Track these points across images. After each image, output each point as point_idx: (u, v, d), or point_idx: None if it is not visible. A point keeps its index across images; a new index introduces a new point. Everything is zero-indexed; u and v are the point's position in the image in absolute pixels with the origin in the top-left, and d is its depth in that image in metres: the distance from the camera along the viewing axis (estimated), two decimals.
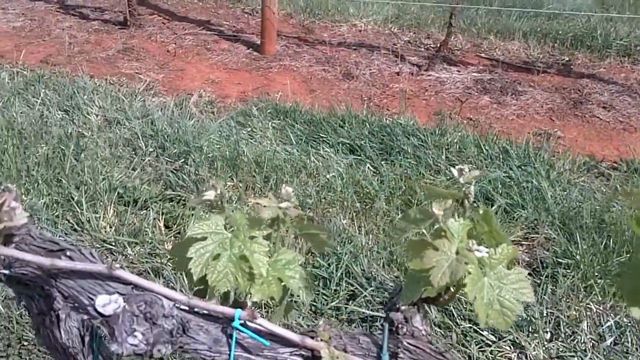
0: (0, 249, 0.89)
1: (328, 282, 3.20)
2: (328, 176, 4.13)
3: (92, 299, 0.87)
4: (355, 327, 3.03)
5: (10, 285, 1.04)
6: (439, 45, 6.07)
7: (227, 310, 0.89)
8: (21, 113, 5.07)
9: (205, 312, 0.92)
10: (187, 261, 0.93)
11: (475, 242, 0.88)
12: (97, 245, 3.58)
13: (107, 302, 0.84)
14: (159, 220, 3.77)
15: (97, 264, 0.90)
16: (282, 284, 0.95)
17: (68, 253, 0.91)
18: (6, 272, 0.96)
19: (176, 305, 0.89)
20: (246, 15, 7.56)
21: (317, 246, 0.97)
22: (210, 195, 0.93)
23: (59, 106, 5.21)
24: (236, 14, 7.64)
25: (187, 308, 0.91)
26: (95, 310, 0.84)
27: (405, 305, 0.90)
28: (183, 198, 3.97)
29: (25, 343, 2.97)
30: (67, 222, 3.75)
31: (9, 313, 3.08)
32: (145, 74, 6.06)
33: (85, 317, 0.89)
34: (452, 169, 0.95)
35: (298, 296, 0.98)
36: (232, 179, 4.17)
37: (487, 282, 0.86)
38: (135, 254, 3.51)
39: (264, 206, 0.91)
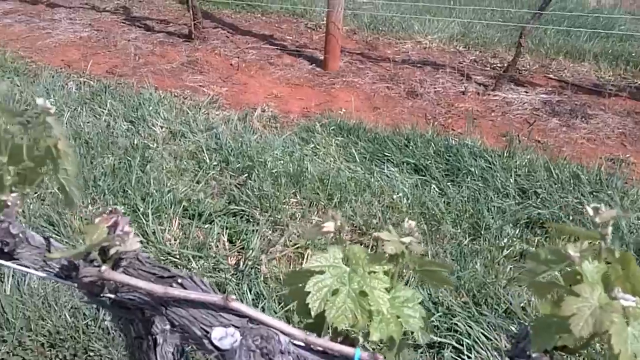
0: (114, 275, 0.86)
1: None
2: (394, 196, 4.07)
3: (204, 330, 0.83)
4: (421, 353, 2.95)
5: (111, 309, 1.01)
6: (506, 65, 5.96)
7: (346, 349, 0.84)
8: (88, 123, 5.14)
9: (321, 349, 0.87)
10: (301, 293, 0.88)
11: (619, 288, 0.81)
12: (162, 257, 3.59)
13: (224, 336, 0.80)
14: (223, 235, 3.76)
15: (210, 294, 0.86)
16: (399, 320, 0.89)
17: (179, 280, 0.88)
18: (112, 296, 0.93)
19: (291, 341, 0.85)
20: (309, 31, 7.56)
21: (435, 284, 0.91)
22: (330, 226, 0.88)
23: (125, 117, 5.27)
24: (299, 28, 7.65)
25: (302, 344, 0.86)
26: (211, 343, 0.80)
27: (536, 352, 0.84)
28: (247, 213, 3.95)
29: (91, 354, 2.98)
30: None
31: (76, 323, 3.10)
32: (208, 87, 6.10)
33: (197, 348, 0.85)
34: (587, 208, 0.88)
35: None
36: (296, 196, 4.14)
37: (632, 333, 0.79)
38: (199, 268, 3.50)
39: (386, 240, 0.86)
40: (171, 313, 0.87)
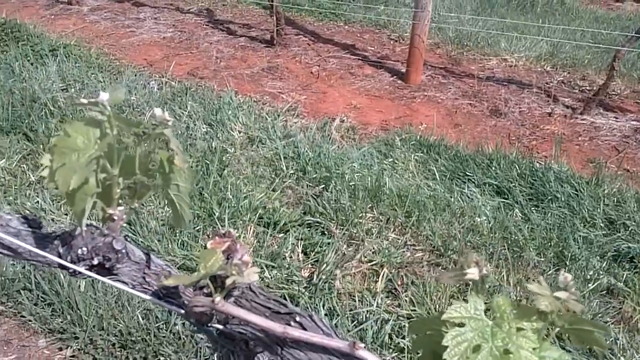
0: (229, 308, 0.78)
1: None
2: (478, 219, 3.92)
3: None
4: None
5: (217, 339, 0.93)
6: (597, 88, 5.72)
7: None
8: None
9: None
10: (430, 343, 0.79)
11: None
12: None
13: None
14: (297, 246, 3.69)
15: (335, 338, 0.77)
16: None
17: (298, 319, 0.79)
18: (220, 327, 0.86)
19: None
20: (392, 42, 7.45)
21: (586, 344, 0.80)
22: (473, 274, 0.78)
23: (204, 119, 5.27)
24: (382, 39, 7.55)
25: None
26: None
27: None
28: (322, 225, 3.88)
29: (161, 358, 2.95)
30: (207, 237, 3.74)
31: (147, 325, 3.08)
32: (288, 94, 6.07)
33: None
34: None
35: None
36: (373, 211, 4.04)
37: None
38: (272, 278, 3.44)
39: (538, 294, 0.75)
40: (287, 354, 0.78)
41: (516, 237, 3.76)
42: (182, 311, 0.89)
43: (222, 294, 0.81)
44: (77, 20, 8.09)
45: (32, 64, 6.18)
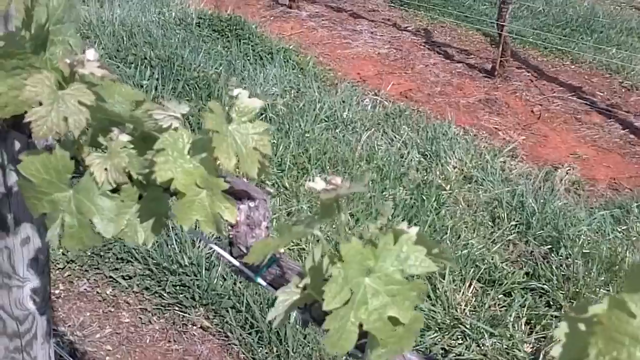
0: None
1: None
2: None
3: None
4: None
5: None
6: None
7: None
8: (380, 146, 4.93)
9: None
10: None
11: None
12: (448, 321, 3.22)
13: None
14: (521, 314, 3.30)
15: None
16: None
17: None
18: None
19: None
20: (624, 90, 6.77)
21: None
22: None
23: (418, 148, 4.99)
24: (612, 85, 6.89)
25: None
26: None
27: None
28: (548, 294, 3.46)
29: None
30: None
31: None
32: (505, 131, 5.66)
33: None
34: None
35: None
36: (607, 287, 3.56)
37: None
38: (490, 347, 3.08)
39: None
40: None
41: None
42: None
43: None
44: (295, 25, 8.11)
45: (251, 64, 6.20)
